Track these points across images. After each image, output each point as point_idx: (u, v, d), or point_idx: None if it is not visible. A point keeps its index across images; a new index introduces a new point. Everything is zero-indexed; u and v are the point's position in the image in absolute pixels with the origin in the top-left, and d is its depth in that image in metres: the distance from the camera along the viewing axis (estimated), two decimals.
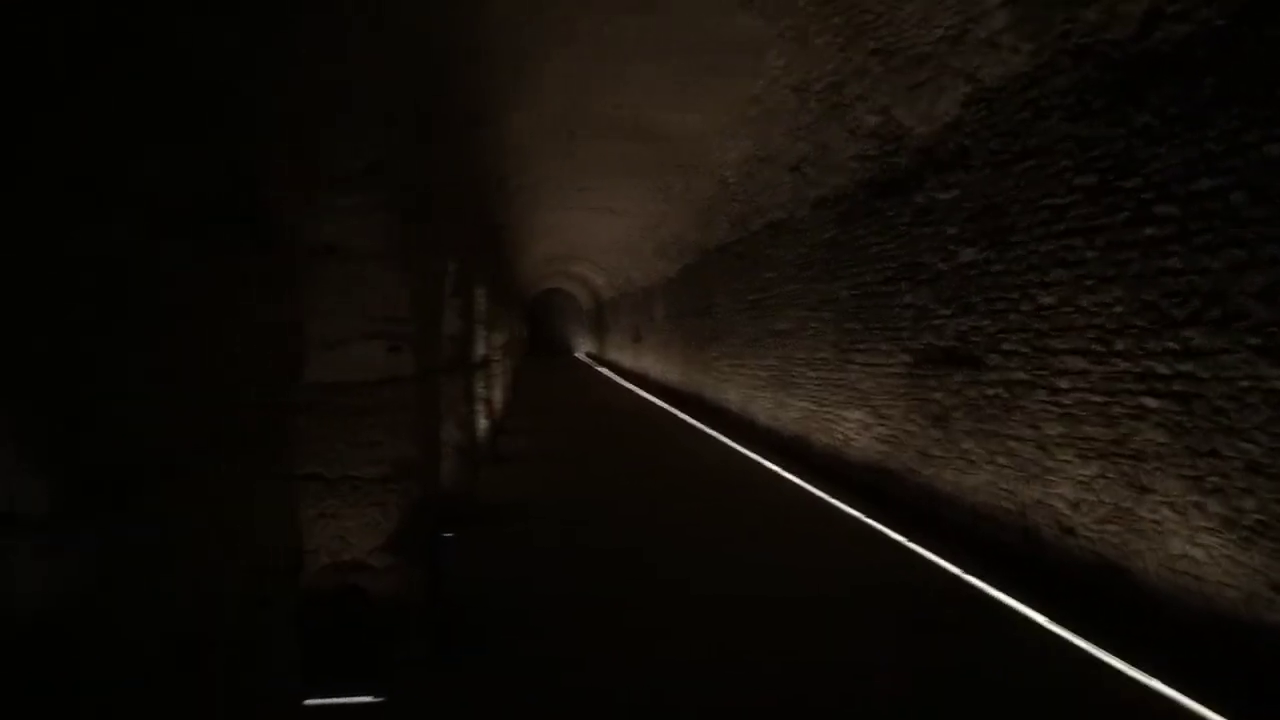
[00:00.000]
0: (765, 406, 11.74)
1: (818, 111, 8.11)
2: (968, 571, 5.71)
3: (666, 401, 18.83)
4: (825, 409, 9.38)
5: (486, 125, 8.40)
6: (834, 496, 8.30)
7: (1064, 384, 5.10)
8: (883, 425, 7.84)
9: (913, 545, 6.45)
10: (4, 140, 0.97)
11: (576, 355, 42.95)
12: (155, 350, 1.30)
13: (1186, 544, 4.11)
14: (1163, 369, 4.28)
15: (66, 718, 1.12)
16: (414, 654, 4.27)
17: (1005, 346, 5.74)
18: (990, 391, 5.94)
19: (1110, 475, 4.69)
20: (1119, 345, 4.60)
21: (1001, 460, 5.81)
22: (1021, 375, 5.55)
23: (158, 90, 1.28)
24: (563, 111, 10.20)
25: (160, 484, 1.32)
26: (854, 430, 8.56)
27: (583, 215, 18.28)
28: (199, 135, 1.42)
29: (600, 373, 30.72)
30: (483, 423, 10.09)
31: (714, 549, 6.58)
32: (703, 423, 14.72)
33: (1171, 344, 4.22)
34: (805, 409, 10.07)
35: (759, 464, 10.51)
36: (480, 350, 10.08)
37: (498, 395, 12.83)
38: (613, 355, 31.34)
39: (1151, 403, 4.37)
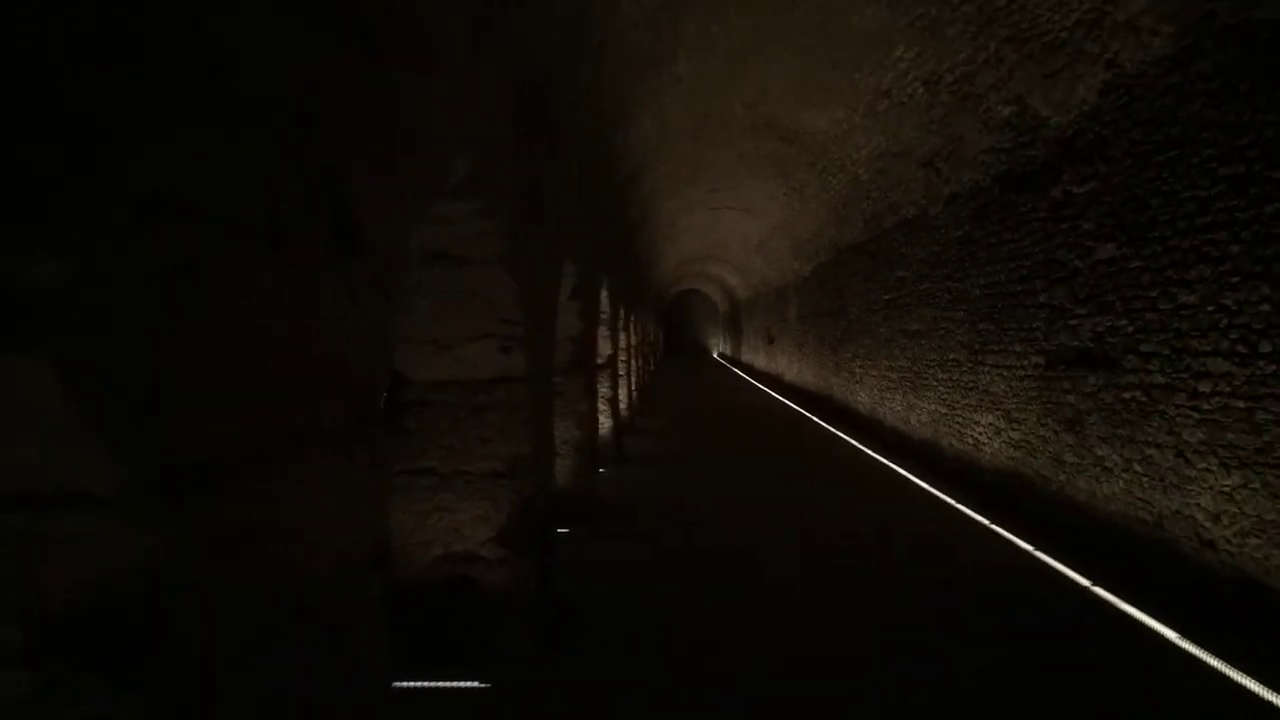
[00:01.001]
0: (895, 409, 11.46)
1: (949, 104, 7.87)
2: (1097, 583, 5.43)
3: (797, 403, 18.64)
4: (956, 412, 9.07)
5: (616, 126, 8.63)
6: (962, 503, 8.03)
7: (1205, 388, 4.77)
8: (1015, 430, 7.52)
9: (1042, 555, 6.17)
10: (90, 155, 1.06)
11: (712, 356, 42.99)
12: (233, 347, 1.38)
13: None
14: None
15: (140, 702, 1.18)
16: (521, 645, 4.39)
17: (1143, 348, 5.41)
18: (1127, 395, 5.61)
19: (1254, 485, 4.36)
20: (1265, 347, 4.27)
21: (1138, 468, 5.48)
22: (1160, 378, 5.22)
23: (238, 103, 1.40)
24: (693, 111, 10.34)
25: (240, 474, 1.39)
26: (985, 434, 8.24)
27: (717, 215, 18.39)
28: (277, 145, 1.53)
29: (734, 374, 30.67)
30: (606, 423, 10.32)
31: (830, 555, 6.52)
32: (832, 425, 14.50)
33: None
34: (935, 411, 9.77)
35: (885, 467, 10.27)
36: (605, 351, 10.32)
37: (624, 395, 13.07)
38: (747, 357, 31.21)
39: None
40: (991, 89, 7.07)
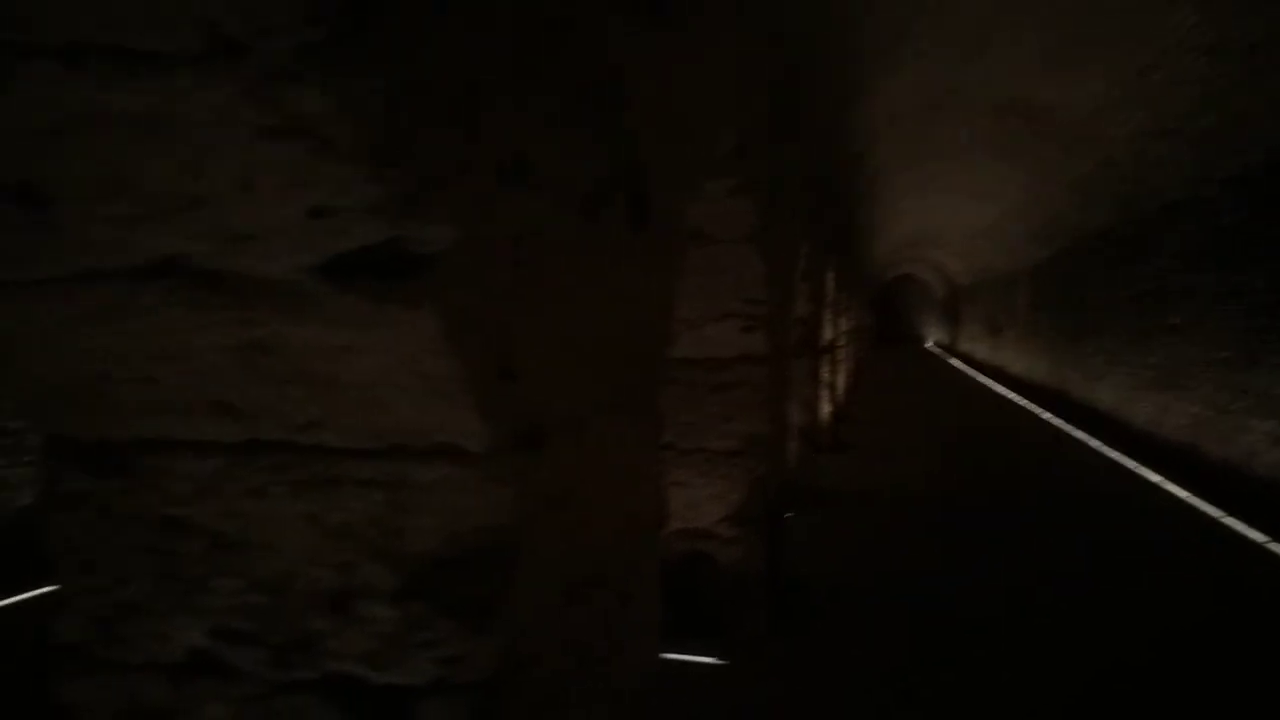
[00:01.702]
0: (1145, 409, 10.48)
1: (1234, 76, 7.07)
2: None
3: (1025, 398, 17.47)
4: (1224, 415, 8.18)
5: (847, 104, 8.48)
6: (1229, 514, 7.26)
7: None
8: None
9: None
10: (476, 122, 1.11)
11: (925, 345, 41.06)
12: (558, 314, 1.43)
13: None
14: None
15: (492, 648, 1.27)
16: (755, 625, 4.46)
17: None
18: None
19: None
20: None
21: None
22: None
23: (573, 77, 1.43)
24: (926, 87, 9.92)
25: (562, 438, 1.47)
26: (1262, 442, 7.38)
27: (941, 198, 17.52)
28: (597, 119, 1.57)
29: (950, 364, 29.16)
30: (826, 408, 10.21)
31: (1061, 556, 6.17)
32: (1066, 422, 13.49)
33: None
34: (1196, 414, 8.85)
35: (1128, 469, 9.46)
36: (827, 334, 10.18)
37: (841, 382, 12.85)
38: (965, 346, 29.54)
39: None
40: None
